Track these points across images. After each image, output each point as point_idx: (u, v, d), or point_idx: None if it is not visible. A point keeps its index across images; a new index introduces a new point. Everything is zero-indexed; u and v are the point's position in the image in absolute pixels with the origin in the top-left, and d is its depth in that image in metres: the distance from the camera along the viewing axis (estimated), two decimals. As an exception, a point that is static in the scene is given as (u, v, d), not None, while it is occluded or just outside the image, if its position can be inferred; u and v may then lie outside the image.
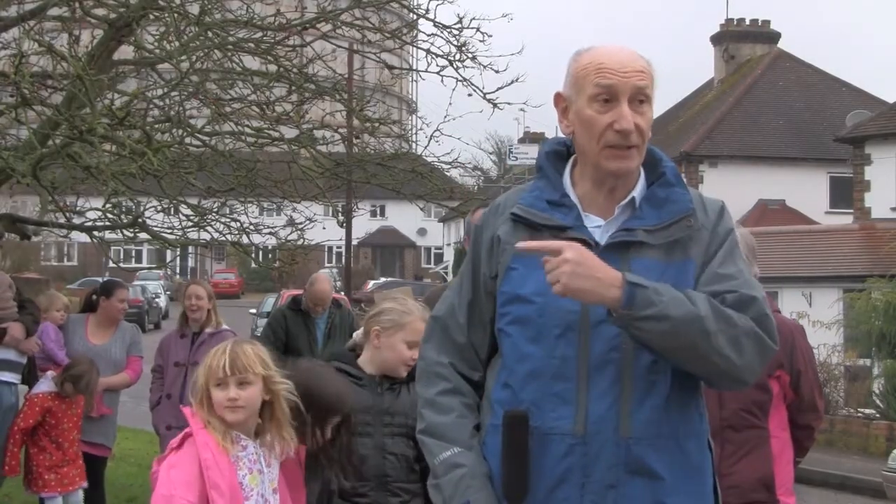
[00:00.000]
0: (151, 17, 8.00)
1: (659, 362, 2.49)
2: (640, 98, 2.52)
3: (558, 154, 2.69)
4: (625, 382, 2.47)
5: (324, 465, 3.69)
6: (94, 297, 7.37)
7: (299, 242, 9.87)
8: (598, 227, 2.57)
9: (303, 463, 3.62)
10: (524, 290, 2.54)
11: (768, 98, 35.20)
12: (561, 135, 2.74)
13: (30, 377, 7.14)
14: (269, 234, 9.88)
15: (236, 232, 9.42)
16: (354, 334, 4.18)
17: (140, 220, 8.51)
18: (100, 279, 9.17)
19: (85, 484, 6.94)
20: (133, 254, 40.06)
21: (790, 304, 20.15)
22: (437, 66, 8.72)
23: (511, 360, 2.55)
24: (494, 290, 2.62)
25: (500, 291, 2.59)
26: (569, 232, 2.54)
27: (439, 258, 63.24)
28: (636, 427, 2.46)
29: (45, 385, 6.83)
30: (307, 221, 9.65)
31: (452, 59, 8.68)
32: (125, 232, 8.56)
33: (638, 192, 2.60)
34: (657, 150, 2.66)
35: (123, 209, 9.27)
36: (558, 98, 2.64)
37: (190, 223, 9.22)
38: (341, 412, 3.68)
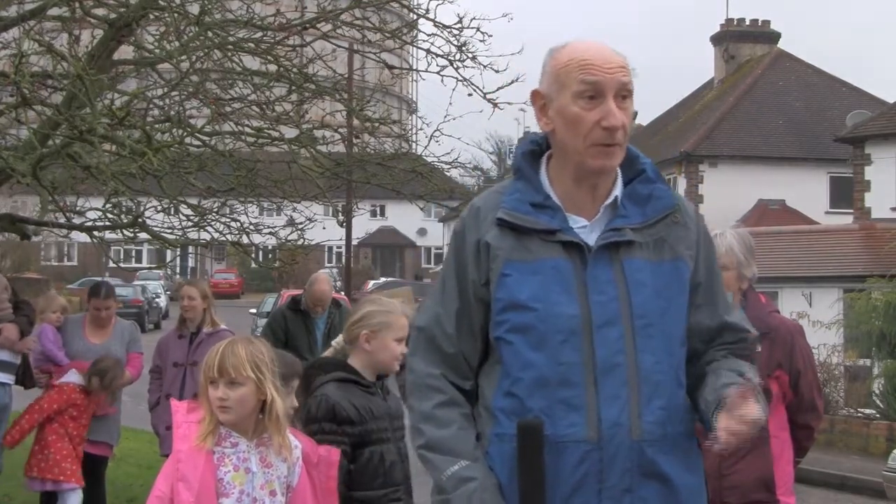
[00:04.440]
0: (151, 17, 8.00)
1: (661, 363, 2.49)
2: (624, 94, 2.50)
3: (533, 153, 2.66)
4: (632, 385, 2.45)
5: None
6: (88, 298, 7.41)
7: (299, 242, 9.87)
8: (583, 227, 2.54)
9: (335, 465, 3.61)
10: (521, 297, 2.49)
11: (768, 98, 35.20)
12: (536, 131, 2.71)
13: (24, 378, 7.15)
14: (269, 234, 9.87)
15: (236, 232, 9.41)
16: (335, 343, 4.23)
17: (140, 220, 8.51)
18: (99, 279, 9.20)
19: (80, 485, 6.94)
20: (133, 254, 40.01)
21: (790, 304, 20.14)
22: (437, 65, 8.73)
23: (514, 369, 2.50)
24: (486, 297, 2.55)
25: (496, 298, 2.52)
26: (558, 235, 2.51)
27: (439, 258, 63.21)
28: (646, 429, 2.45)
29: (74, 377, 6.87)
30: (307, 221, 9.65)
31: (452, 58, 8.68)
32: (125, 232, 8.56)
33: (618, 190, 2.58)
34: (633, 148, 2.64)
35: (123, 209, 9.27)
36: (536, 95, 2.60)
37: (190, 223, 9.22)
38: (298, 375, 3.82)
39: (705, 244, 2.65)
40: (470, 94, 8.76)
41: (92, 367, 6.85)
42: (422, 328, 2.66)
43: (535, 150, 2.66)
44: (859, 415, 15.50)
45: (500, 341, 2.53)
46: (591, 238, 2.52)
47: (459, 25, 8.54)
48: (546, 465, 2.43)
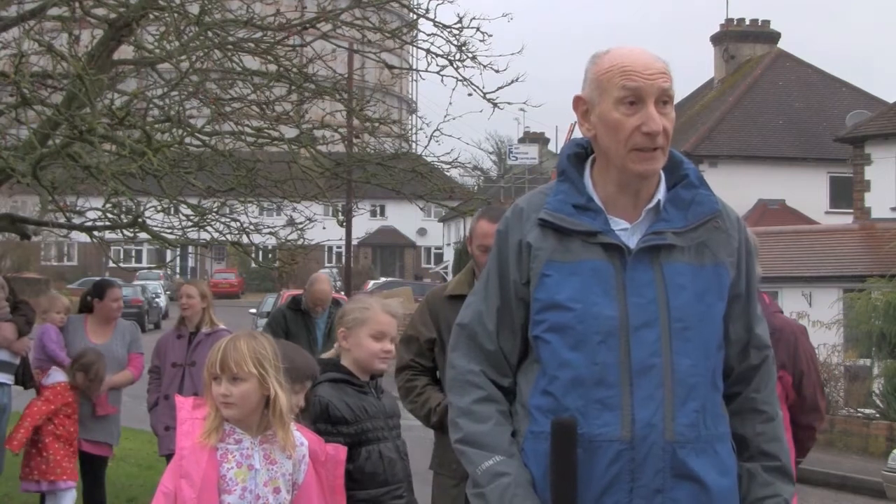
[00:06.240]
0: (151, 17, 8.00)
1: (697, 366, 2.51)
2: (664, 99, 2.53)
3: (578, 156, 2.68)
4: (667, 386, 2.48)
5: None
6: (89, 298, 7.37)
7: (299, 242, 9.86)
8: (625, 230, 2.57)
9: (342, 463, 3.62)
10: (560, 297, 2.52)
11: (768, 98, 35.20)
12: (578, 136, 2.74)
13: (24, 378, 7.15)
14: (269, 234, 9.86)
15: (236, 232, 9.41)
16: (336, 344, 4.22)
17: (140, 220, 8.50)
18: (97, 279, 9.19)
19: (75, 480, 6.94)
20: (133, 254, 40.09)
21: (790, 304, 20.15)
22: (437, 65, 8.72)
23: (551, 368, 2.53)
24: (526, 296, 2.59)
25: (535, 298, 2.56)
26: (599, 237, 2.53)
27: (439, 258, 63.23)
28: (679, 431, 2.48)
29: (60, 376, 6.85)
30: (307, 221, 9.64)
31: (452, 58, 8.67)
32: (125, 232, 8.56)
33: (660, 194, 2.60)
34: (677, 153, 2.66)
35: (123, 209, 9.26)
36: (578, 101, 2.63)
37: (190, 223, 9.21)
38: (313, 377, 3.78)
39: (747, 253, 2.66)
40: (470, 94, 8.76)
41: (75, 363, 6.85)
42: (463, 325, 2.70)
43: (579, 152, 2.68)
44: (859, 415, 15.51)
45: (539, 340, 2.56)
46: (632, 241, 2.55)
47: (459, 25, 8.53)
48: (579, 463, 2.47)
